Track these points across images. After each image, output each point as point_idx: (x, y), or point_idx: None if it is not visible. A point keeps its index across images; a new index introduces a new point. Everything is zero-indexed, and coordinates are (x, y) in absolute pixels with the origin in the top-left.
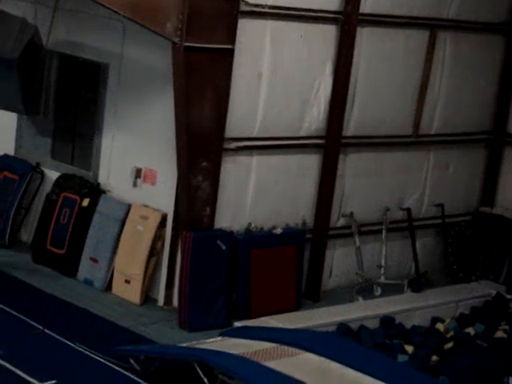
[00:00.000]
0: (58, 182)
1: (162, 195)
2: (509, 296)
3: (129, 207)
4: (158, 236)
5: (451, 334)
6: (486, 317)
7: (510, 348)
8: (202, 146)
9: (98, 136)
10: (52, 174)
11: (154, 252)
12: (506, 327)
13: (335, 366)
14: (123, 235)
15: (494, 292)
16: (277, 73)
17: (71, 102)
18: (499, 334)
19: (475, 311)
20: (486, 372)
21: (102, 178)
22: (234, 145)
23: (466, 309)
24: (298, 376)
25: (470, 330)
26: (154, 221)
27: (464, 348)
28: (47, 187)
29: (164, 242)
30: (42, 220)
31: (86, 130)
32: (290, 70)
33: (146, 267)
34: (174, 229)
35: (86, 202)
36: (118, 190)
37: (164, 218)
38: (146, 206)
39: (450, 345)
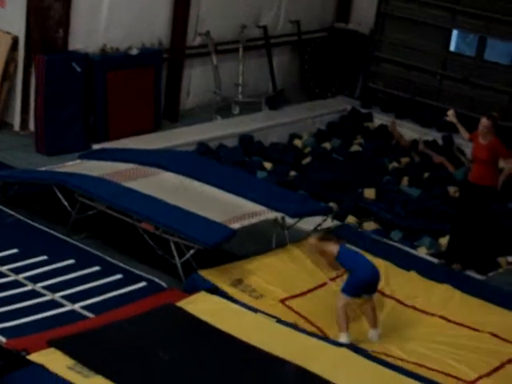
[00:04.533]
0: None
1: (11, 17)
2: (363, 110)
3: None
4: (10, 59)
5: (308, 149)
6: (342, 131)
7: (364, 161)
8: None
9: None
10: None
11: (6, 76)
12: (361, 141)
13: (195, 183)
14: None
15: (350, 107)
16: None
17: None
18: (354, 147)
19: (331, 126)
20: (342, 184)
21: None
22: None
23: (322, 124)
24: (158, 194)
25: (327, 145)
26: (4, 44)
27: (321, 162)
28: None
29: (17, 66)
30: None
31: None
32: None
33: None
34: (26, 52)
35: None
36: None
37: (15, 41)
38: None
39: (307, 160)
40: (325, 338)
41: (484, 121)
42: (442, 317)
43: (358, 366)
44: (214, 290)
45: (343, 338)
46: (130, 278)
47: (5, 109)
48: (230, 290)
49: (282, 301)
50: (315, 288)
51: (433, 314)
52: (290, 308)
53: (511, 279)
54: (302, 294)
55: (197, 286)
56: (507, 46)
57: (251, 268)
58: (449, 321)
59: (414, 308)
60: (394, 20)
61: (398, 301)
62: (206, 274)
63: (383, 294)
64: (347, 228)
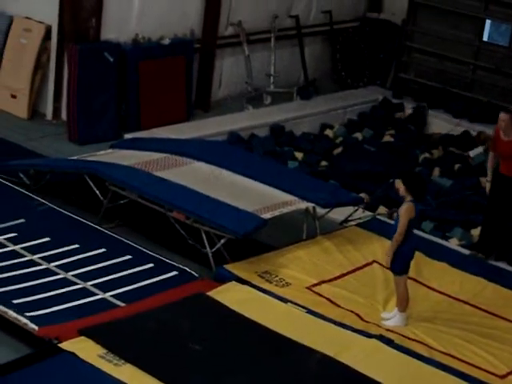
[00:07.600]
0: None
1: (45, 7)
2: (395, 101)
3: (11, 20)
4: (43, 49)
5: (340, 139)
6: (374, 122)
7: (396, 151)
8: None
9: None
10: None
11: (39, 65)
12: (393, 131)
13: (226, 173)
14: (6, 49)
15: (381, 97)
16: None
17: None
18: (386, 138)
19: (363, 116)
20: (373, 175)
21: None
22: None
23: (354, 115)
24: (189, 184)
25: (358, 135)
26: (37, 33)
27: (352, 153)
28: None
29: (50, 56)
30: None
31: None
32: None
33: (33, 81)
34: (59, 41)
35: None
36: None
37: (48, 31)
38: (28, 18)
39: (338, 150)
40: (355, 329)
41: (502, 115)
42: (474, 306)
43: (389, 357)
44: (245, 280)
45: (400, 320)
46: (161, 267)
47: (38, 98)
48: (256, 280)
49: (309, 287)
50: (343, 275)
51: (466, 302)
52: (317, 293)
53: None
54: (330, 280)
55: (227, 275)
56: None
57: (279, 261)
58: (482, 310)
59: (448, 295)
60: (427, 10)
61: (431, 288)
62: (232, 268)
63: (415, 280)
64: (377, 220)
